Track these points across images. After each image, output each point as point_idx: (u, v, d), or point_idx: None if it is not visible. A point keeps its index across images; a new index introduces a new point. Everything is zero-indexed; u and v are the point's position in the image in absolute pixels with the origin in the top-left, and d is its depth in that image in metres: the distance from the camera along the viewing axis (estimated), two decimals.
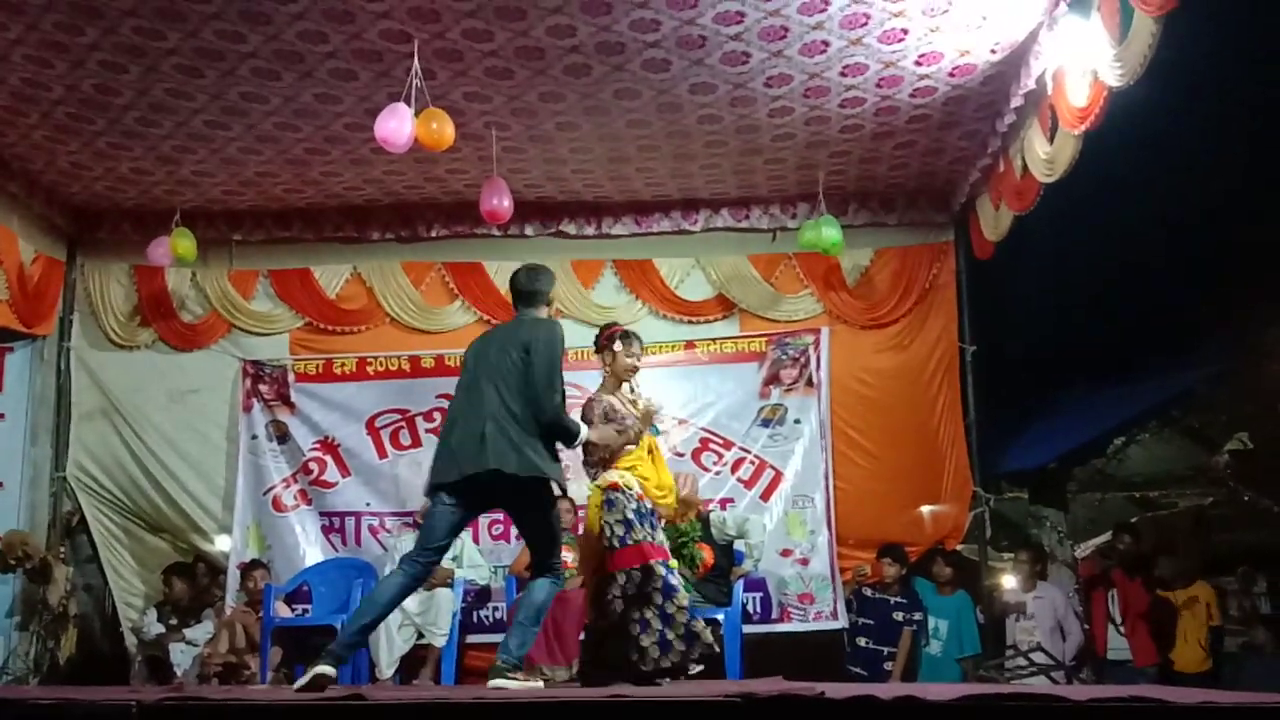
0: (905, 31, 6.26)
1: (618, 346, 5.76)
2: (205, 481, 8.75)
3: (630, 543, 5.42)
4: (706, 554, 7.38)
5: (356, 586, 7.78)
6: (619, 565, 5.41)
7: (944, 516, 8.45)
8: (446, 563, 7.42)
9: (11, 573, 8.05)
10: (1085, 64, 5.67)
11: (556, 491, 5.17)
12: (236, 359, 8.90)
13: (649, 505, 5.56)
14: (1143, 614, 8.02)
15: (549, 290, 5.34)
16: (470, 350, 5.29)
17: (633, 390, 5.79)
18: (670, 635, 5.31)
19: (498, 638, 5.93)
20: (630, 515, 5.45)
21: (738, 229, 8.85)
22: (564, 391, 5.08)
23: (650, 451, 5.75)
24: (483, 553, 8.19)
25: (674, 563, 5.64)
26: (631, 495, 5.51)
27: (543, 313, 5.29)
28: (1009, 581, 8.29)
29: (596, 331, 5.94)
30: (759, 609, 8.22)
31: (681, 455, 8.52)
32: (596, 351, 5.92)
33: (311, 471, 8.65)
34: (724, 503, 8.30)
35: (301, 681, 4.57)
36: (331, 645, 4.77)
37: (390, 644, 7.32)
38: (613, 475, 5.55)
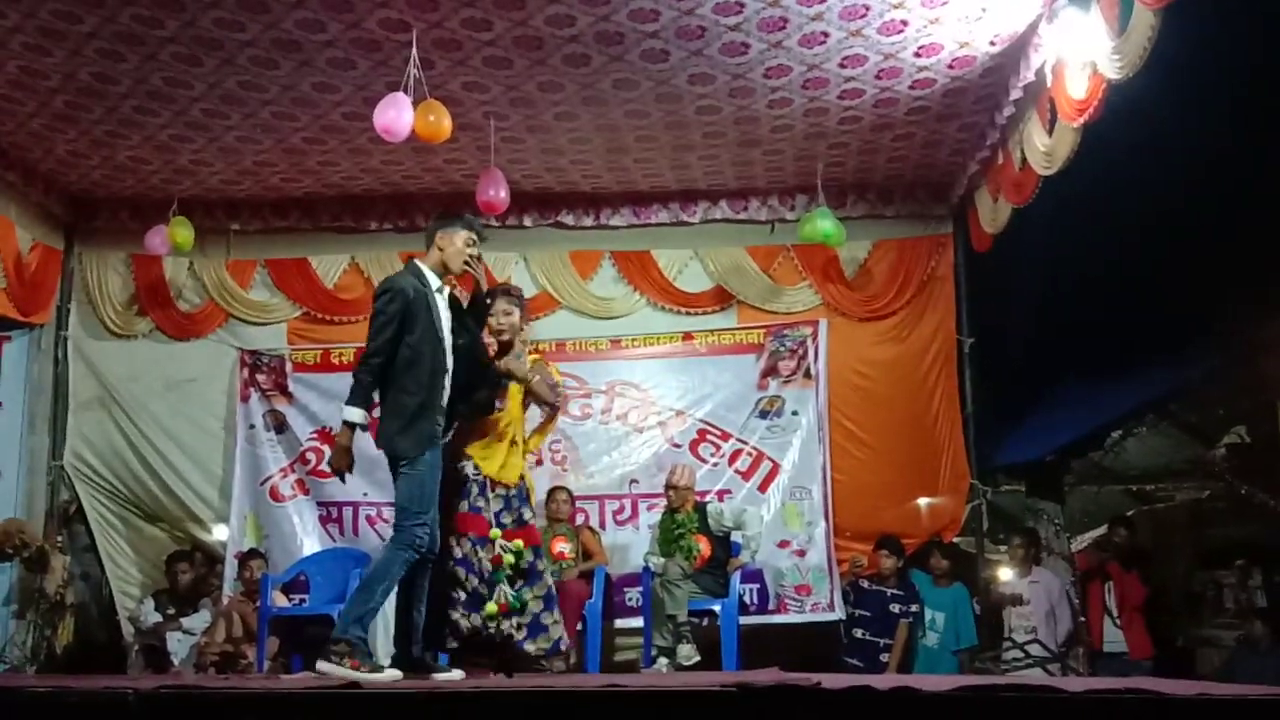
0: (905, 23, 6.25)
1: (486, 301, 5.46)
2: (202, 471, 8.75)
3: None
4: (703, 545, 7.39)
5: (353, 576, 7.75)
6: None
7: (941, 509, 8.46)
8: None
9: (8, 561, 8.05)
10: (1084, 56, 5.67)
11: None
12: (234, 348, 8.90)
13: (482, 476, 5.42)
14: (1139, 607, 8.05)
15: (435, 229, 5.20)
16: None
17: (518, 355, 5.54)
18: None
19: None
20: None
21: (736, 220, 8.86)
22: (380, 349, 4.88)
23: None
24: None
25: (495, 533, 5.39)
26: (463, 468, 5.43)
27: (428, 254, 5.17)
28: (1005, 573, 8.31)
29: None
30: (756, 600, 8.23)
31: (679, 446, 8.54)
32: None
33: (309, 461, 8.65)
34: (721, 494, 8.30)
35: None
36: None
37: (387, 634, 7.32)
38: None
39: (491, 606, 5.26)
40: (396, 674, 4.75)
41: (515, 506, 5.49)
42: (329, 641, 4.75)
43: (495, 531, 5.36)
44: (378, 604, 4.91)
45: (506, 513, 5.44)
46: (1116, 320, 11.36)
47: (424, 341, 4.96)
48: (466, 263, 5.15)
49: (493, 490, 5.42)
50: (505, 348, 5.51)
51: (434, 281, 5.12)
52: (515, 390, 5.52)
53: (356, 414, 4.90)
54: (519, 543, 5.41)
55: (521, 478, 5.58)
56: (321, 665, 4.69)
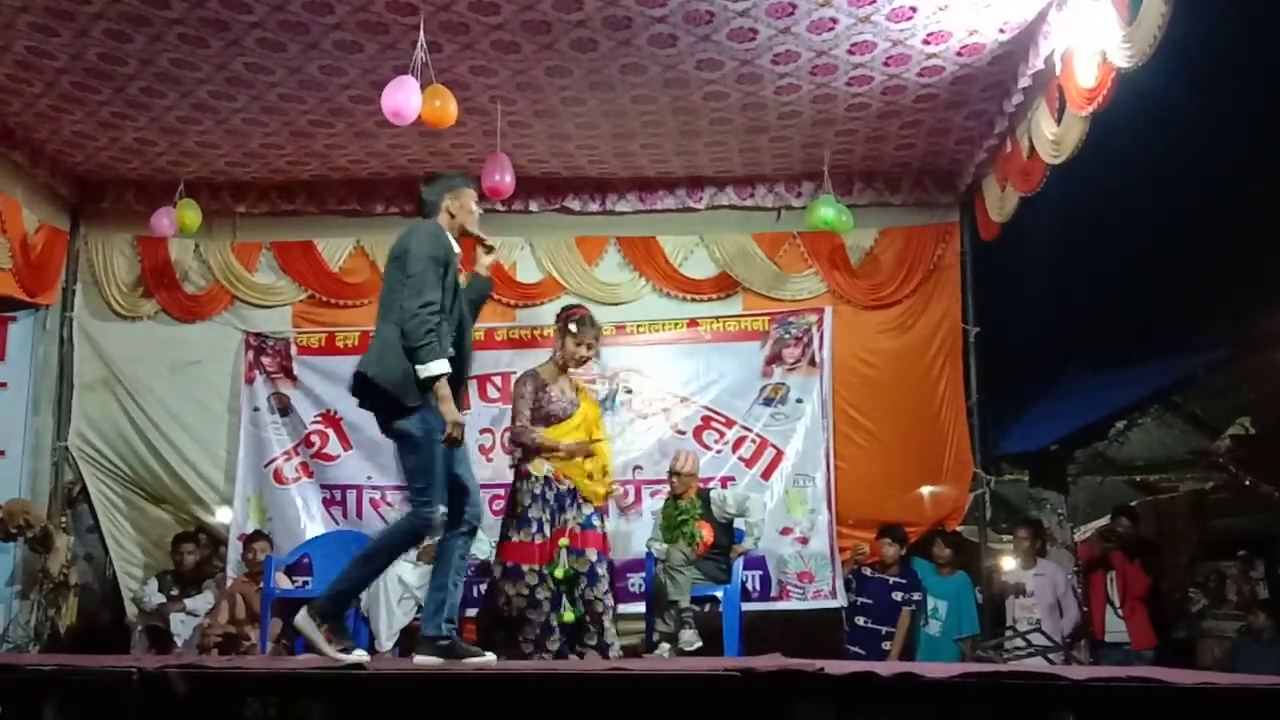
0: (914, 10, 6.21)
1: (572, 328, 5.82)
2: (207, 453, 8.75)
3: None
4: (706, 532, 7.38)
5: None
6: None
7: (944, 497, 8.45)
8: None
9: (12, 541, 8.07)
10: (1094, 45, 5.64)
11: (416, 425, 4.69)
12: (239, 331, 8.89)
13: (556, 488, 5.95)
14: (1141, 597, 8.05)
15: (432, 197, 4.94)
16: None
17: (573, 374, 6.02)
18: None
19: None
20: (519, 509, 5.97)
21: (742, 207, 8.83)
22: (431, 301, 4.60)
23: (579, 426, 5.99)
24: (484, 528, 8.18)
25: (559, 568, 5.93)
26: (536, 481, 5.93)
27: (437, 218, 4.91)
28: (1008, 563, 8.31)
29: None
30: (758, 587, 8.23)
31: (683, 433, 8.53)
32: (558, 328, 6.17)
33: (313, 444, 8.64)
34: (725, 481, 8.30)
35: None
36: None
37: (390, 617, 7.35)
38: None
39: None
40: (364, 656, 4.60)
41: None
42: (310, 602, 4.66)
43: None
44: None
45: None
46: (1122, 310, 11.37)
47: (447, 300, 4.71)
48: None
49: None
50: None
51: (456, 246, 4.87)
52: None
53: (444, 365, 4.57)
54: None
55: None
56: (299, 620, 4.61)
